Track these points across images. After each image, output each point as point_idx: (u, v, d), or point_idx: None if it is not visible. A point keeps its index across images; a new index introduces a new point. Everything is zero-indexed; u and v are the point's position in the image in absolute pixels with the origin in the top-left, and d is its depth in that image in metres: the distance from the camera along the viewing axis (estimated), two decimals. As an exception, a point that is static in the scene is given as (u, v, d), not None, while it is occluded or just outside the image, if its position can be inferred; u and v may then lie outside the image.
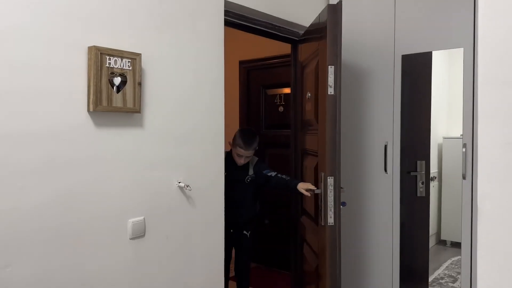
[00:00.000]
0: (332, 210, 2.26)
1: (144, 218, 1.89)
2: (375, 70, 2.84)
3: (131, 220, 1.84)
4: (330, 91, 2.25)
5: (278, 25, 2.75)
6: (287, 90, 3.93)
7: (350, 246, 2.93)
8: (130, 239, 1.84)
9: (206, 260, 2.19)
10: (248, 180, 2.84)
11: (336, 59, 2.25)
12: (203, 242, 2.17)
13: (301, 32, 2.94)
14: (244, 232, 2.93)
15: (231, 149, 2.82)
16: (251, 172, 2.84)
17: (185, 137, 2.06)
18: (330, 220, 2.26)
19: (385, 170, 2.79)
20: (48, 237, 1.57)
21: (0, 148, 1.44)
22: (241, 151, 2.74)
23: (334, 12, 2.26)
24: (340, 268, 2.32)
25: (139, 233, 1.87)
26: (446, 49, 2.63)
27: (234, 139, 2.80)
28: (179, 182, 2.03)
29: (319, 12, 2.97)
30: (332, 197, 2.27)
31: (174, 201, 2.03)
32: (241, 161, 2.78)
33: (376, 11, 2.84)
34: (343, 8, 3.01)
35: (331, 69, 2.25)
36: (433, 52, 2.62)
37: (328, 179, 2.27)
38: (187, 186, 2.04)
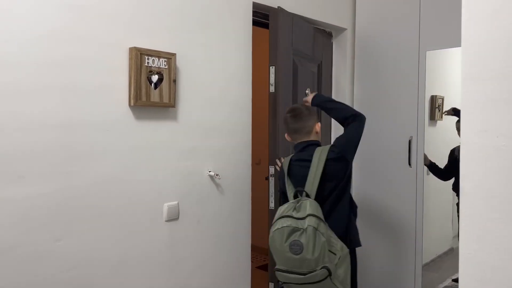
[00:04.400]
0: (273, 196, 2.49)
1: (178, 203, 2.08)
2: (400, 66, 2.92)
3: (166, 204, 2.03)
4: (272, 89, 2.47)
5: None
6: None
7: (374, 235, 3.02)
8: (166, 221, 2.03)
9: (233, 244, 2.36)
10: None
11: (276, 60, 2.44)
12: (230, 227, 2.34)
13: (328, 30, 3.05)
14: None
15: None
16: None
17: (215, 130, 2.23)
18: (271, 205, 2.48)
19: (409, 164, 2.87)
20: (93, 216, 1.78)
21: (53, 136, 1.65)
22: None
23: (275, 18, 2.44)
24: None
25: (173, 216, 2.06)
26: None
27: None
28: (210, 171, 2.20)
29: (345, 11, 3.08)
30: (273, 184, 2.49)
31: (205, 189, 2.20)
32: None
33: (402, 8, 2.91)
34: (370, 4, 3.12)
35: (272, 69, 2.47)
36: (454, 48, 2.64)
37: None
38: (217, 175, 2.21)
